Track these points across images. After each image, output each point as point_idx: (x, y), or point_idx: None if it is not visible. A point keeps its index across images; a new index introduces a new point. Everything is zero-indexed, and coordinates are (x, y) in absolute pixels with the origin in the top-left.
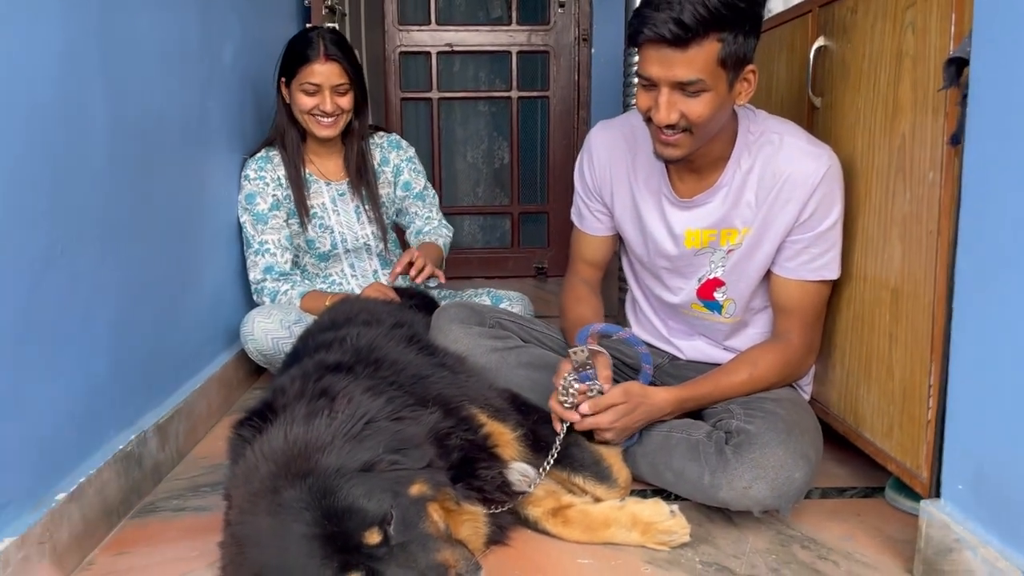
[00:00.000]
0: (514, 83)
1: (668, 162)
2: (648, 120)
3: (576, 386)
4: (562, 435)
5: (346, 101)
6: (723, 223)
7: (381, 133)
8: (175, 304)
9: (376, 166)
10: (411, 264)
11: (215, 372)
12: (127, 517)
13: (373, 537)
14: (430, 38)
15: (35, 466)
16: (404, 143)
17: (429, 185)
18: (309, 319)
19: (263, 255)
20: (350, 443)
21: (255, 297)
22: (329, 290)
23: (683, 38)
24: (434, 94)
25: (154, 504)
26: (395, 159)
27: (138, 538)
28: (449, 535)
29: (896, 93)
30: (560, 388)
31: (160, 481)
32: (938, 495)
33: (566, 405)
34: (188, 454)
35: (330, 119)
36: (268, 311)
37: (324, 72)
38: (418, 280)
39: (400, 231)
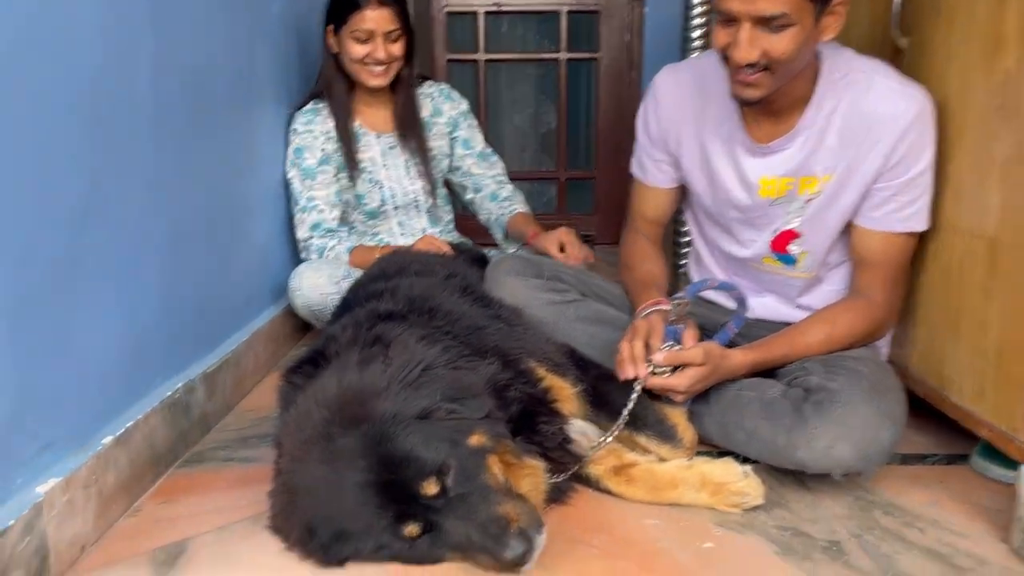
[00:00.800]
0: (563, 44)
1: (746, 103)
2: (725, 59)
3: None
4: (636, 395)
5: (398, 48)
6: (802, 170)
7: (429, 82)
8: (224, 255)
9: (428, 117)
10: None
11: (262, 326)
12: (174, 466)
13: (431, 487)
14: None
15: (80, 407)
16: (456, 94)
17: (487, 143)
18: (358, 275)
19: (311, 212)
20: (407, 390)
21: (302, 255)
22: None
23: None
24: (481, 56)
25: (202, 454)
26: (449, 110)
27: (185, 487)
28: (510, 488)
29: (998, 25)
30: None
31: (208, 431)
32: None
33: (650, 370)
34: (235, 406)
35: (382, 67)
36: (317, 266)
37: (376, 18)
38: (573, 262)
39: (450, 188)
